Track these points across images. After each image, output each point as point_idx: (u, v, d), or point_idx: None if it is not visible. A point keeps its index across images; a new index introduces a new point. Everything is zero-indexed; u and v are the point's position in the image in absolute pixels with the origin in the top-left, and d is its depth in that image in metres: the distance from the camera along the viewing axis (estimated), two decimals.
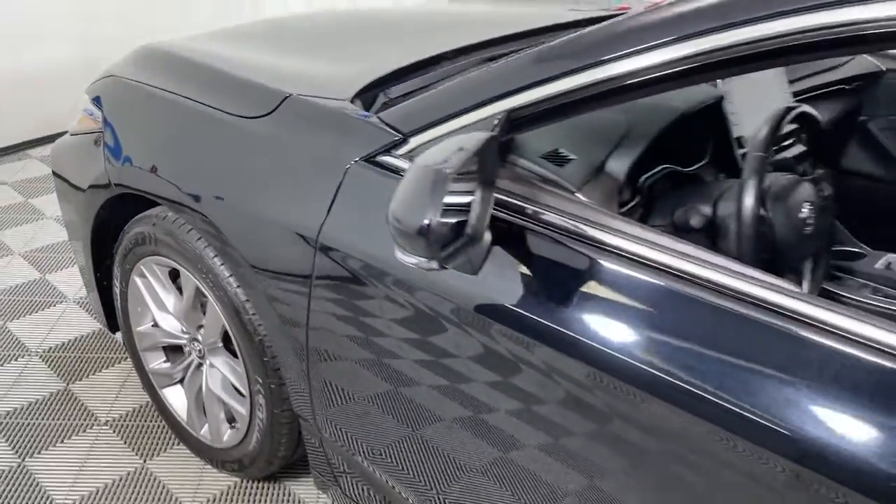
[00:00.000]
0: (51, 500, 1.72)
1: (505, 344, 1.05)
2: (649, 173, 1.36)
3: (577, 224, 1.04)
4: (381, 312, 1.22)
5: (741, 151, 1.52)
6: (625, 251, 0.99)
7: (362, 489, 1.50)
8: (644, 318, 0.95)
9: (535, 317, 1.02)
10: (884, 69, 2.01)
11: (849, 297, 1.48)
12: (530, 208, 1.09)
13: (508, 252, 1.07)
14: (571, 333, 0.98)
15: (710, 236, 1.26)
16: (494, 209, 1.09)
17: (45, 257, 2.78)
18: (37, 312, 2.42)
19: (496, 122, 1.08)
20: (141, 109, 1.70)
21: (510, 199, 1.11)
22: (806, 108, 1.37)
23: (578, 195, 1.17)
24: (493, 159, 1.00)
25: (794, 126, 1.45)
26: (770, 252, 1.23)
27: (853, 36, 0.81)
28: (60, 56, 3.92)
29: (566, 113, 1.07)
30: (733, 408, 0.84)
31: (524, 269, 1.07)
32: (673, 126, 1.35)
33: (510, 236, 1.08)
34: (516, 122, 1.10)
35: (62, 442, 1.88)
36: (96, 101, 1.83)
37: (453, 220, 0.96)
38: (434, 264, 0.91)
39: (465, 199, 0.99)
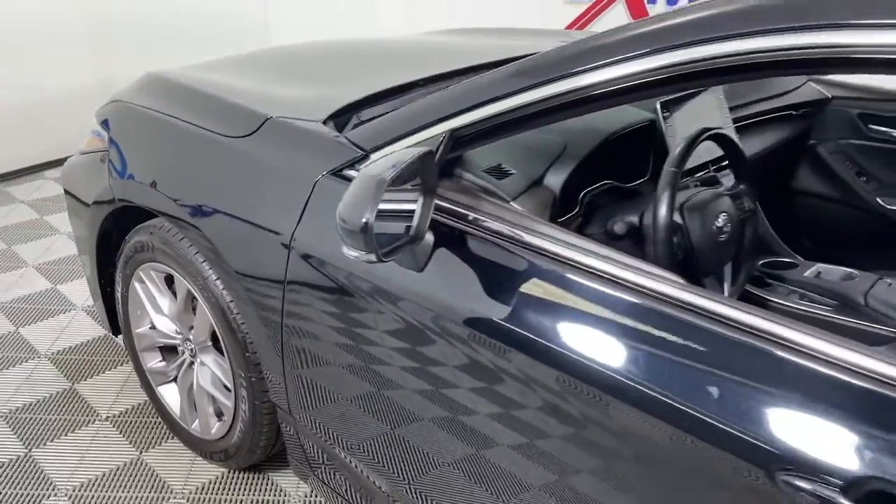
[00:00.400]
0: (53, 486, 1.88)
1: (454, 337, 1.20)
2: (591, 188, 1.52)
3: (510, 229, 1.20)
4: (347, 311, 1.38)
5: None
6: (550, 252, 1.15)
7: (338, 478, 1.65)
8: (562, 312, 1.10)
9: (472, 308, 1.18)
10: (830, 96, 2.17)
11: (775, 302, 1.63)
12: (471, 215, 1.25)
13: (451, 252, 1.23)
14: (503, 323, 1.14)
15: (637, 243, 1.41)
16: (441, 216, 1.26)
17: (57, 269, 2.97)
18: (47, 319, 2.60)
19: (440, 140, 1.25)
20: (143, 131, 1.89)
21: (455, 207, 1.27)
22: (722, 130, 1.53)
23: (512, 204, 1.33)
24: (431, 171, 1.17)
25: (720, 150, 1.61)
26: (688, 257, 1.38)
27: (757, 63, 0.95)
28: (75, 82, 4.15)
29: (500, 133, 1.24)
30: (647, 391, 0.98)
31: (464, 268, 1.22)
32: (606, 146, 1.51)
33: (453, 239, 1.24)
34: (460, 139, 1.26)
35: (66, 435, 2.05)
36: (104, 123, 2.01)
37: (392, 222, 1.12)
38: (372, 257, 1.07)
39: (408, 206, 1.16)
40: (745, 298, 1.62)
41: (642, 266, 1.07)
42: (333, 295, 1.39)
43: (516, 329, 1.12)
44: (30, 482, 1.89)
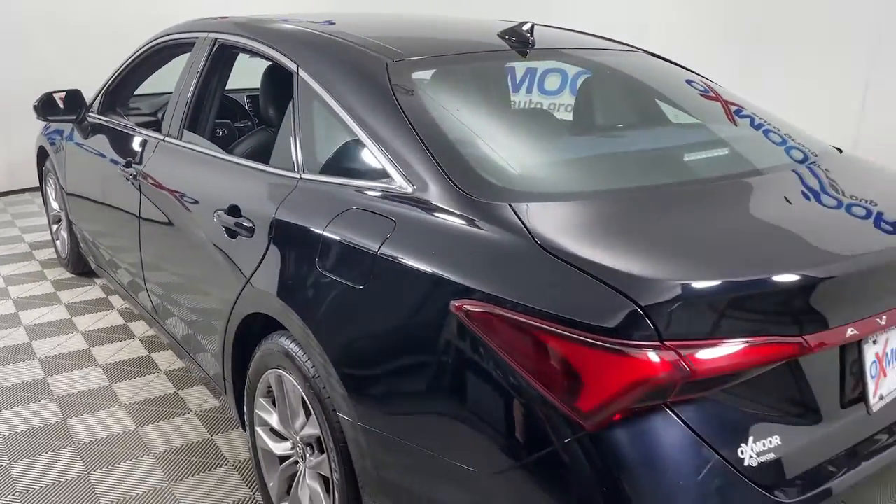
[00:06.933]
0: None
1: (108, 167, 3.33)
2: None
3: (125, 123, 3.32)
4: (80, 168, 3.54)
5: None
6: (125, 127, 3.24)
7: (94, 251, 3.73)
8: (120, 144, 3.20)
9: (108, 151, 3.30)
10: None
11: None
12: (111, 119, 3.39)
13: (100, 133, 3.37)
14: (106, 152, 3.25)
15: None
16: (100, 118, 3.40)
17: None
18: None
19: (99, 93, 3.44)
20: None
21: (106, 117, 3.41)
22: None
23: (125, 118, 3.44)
24: (81, 98, 3.37)
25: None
26: None
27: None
28: None
29: (125, 87, 3.42)
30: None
31: (104, 138, 3.35)
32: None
33: (102, 127, 3.38)
34: (111, 95, 3.45)
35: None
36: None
37: (67, 115, 3.32)
38: (40, 120, 3.28)
39: (74, 112, 3.35)
40: None
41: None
42: (75, 163, 3.57)
43: (98, 152, 3.25)
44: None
